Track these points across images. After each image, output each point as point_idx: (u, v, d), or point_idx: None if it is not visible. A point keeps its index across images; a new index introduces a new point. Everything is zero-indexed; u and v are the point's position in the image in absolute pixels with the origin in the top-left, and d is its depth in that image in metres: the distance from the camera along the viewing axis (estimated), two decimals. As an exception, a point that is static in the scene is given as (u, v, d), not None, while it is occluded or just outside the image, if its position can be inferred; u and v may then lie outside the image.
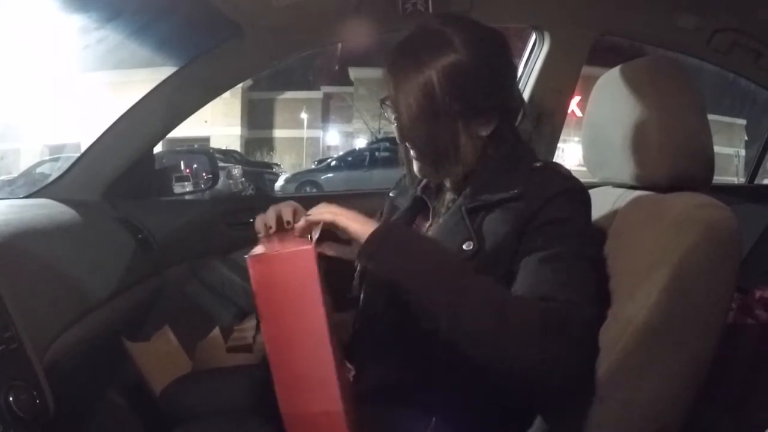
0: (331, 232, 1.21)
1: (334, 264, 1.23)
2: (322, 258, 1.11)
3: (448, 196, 1.33)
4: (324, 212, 1.15)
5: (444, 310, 1.03)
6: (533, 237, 1.11)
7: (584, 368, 1.05)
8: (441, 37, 1.20)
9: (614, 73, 1.36)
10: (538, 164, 1.21)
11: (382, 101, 1.26)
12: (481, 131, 1.23)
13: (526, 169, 1.20)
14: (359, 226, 1.10)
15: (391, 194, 1.51)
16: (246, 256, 1.05)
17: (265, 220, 1.25)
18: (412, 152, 1.28)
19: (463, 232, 1.17)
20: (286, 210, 1.24)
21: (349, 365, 1.29)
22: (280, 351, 1.06)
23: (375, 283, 1.27)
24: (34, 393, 1.09)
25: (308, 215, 1.17)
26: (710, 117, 1.28)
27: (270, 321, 1.06)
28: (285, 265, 1.04)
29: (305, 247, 1.05)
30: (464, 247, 1.15)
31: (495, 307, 1.01)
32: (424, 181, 1.37)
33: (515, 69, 1.28)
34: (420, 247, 1.10)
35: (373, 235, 1.08)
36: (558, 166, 1.24)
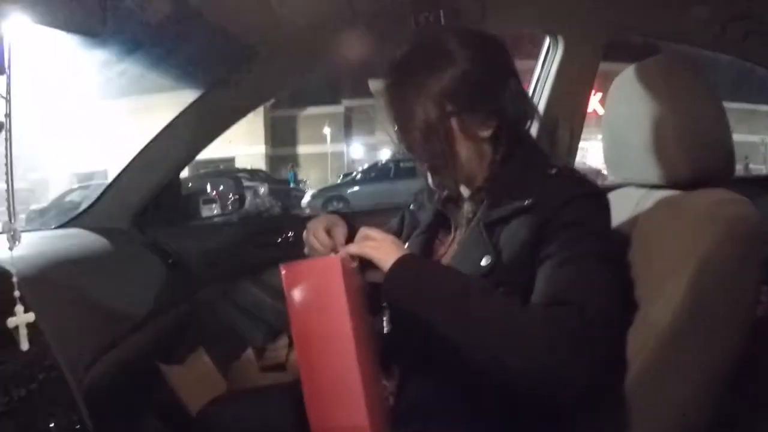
0: None
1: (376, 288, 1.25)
2: (362, 276, 1.19)
3: (467, 207, 1.33)
4: (356, 244, 1.20)
5: (455, 334, 1.07)
6: (549, 242, 1.11)
7: (599, 368, 1.02)
8: (439, 50, 1.23)
9: (629, 72, 1.35)
10: (553, 171, 1.21)
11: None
12: (479, 132, 1.24)
13: (541, 176, 1.20)
14: (382, 256, 1.15)
15: (411, 207, 1.53)
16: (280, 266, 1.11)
17: (315, 241, 1.32)
18: (421, 164, 1.30)
19: (481, 248, 1.18)
20: (319, 228, 1.32)
21: (386, 383, 1.30)
22: (310, 360, 1.08)
23: (398, 311, 1.29)
24: (75, 418, 1.11)
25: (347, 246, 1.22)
26: (731, 105, 1.28)
27: (299, 329, 1.09)
28: (312, 274, 1.10)
29: (332, 257, 1.12)
30: (482, 263, 1.16)
31: (500, 324, 1.04)
32: (444, 194, 1.39)
33: (515, 72, 1.28)
34: (431, 279, 1.13)
35: (389, 272, 1.13)
36: (573, 171, 1.24)
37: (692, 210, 1.11)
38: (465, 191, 1.33)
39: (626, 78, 1.36)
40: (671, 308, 1.04)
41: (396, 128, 1.27)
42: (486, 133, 1.24)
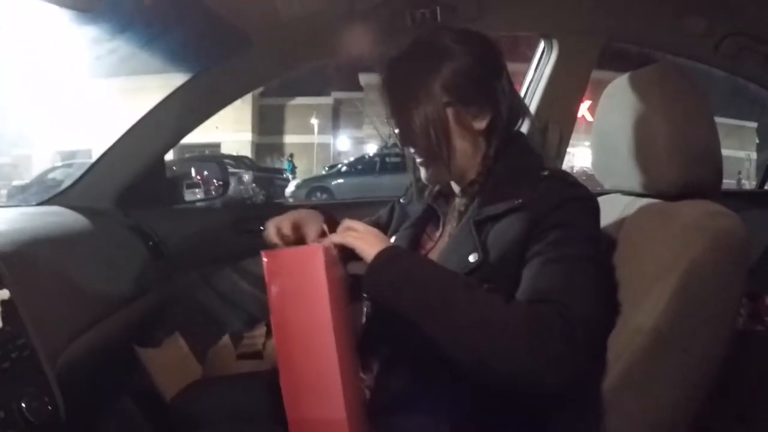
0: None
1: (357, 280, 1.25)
2: (344, 268, 1.20)
3: (458, 202, 1.33)
4: (339, 234, 1.20)
5: (435, 329, 1.07)
6: (538, 241, 1.12)
7: (581, 366, 1.02)
8: (436, 45, 1.25)
9: (622, 80, 1.36)
10: (545, 173, 1.21)
11: (387, 118, 1.30)
12: (475, 124, 1.25)
13: (534, 177, 1.21)
14: (366, 247, 1.15)
15: (401, 200, 1.53)
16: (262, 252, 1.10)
17: (274, 236, 1.33)
18: (415, 158, 1.31)
19: (470, 245, 1.18)
20: (285, 223, 1.33)
21: (363, 376, 1.29)
22: (288, 350, 1.08)
23: (378, 304, 1.28)
24: (46, 399, 1.10)
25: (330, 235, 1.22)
26: (720, 120, 1.28)
27: (279, 318, 1.08)
28: (294, 262, 1.09)
29: (314, 246, 1.12)
30: (470, 259, 1.16)
31: (481, 321, 1.04)
32: (435, 189, 1.39)
33: (506, 70, 1.30)
34: (413, 273, 1.12)
35: (371, 264, 1.13)
36: (565, 174, 1.24)
37: (680, 220, 1.11)
38: (456, 187, 1.34)
39: (620, 85, 1.36)
40: (655, 314, 1.05)
41: (393, 121, 1.28)
42: (481, 125, 1.25)
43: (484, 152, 1.28)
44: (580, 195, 1.17)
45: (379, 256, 1.13)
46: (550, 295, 1.04)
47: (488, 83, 1.26)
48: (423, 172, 1.31)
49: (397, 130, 1.29)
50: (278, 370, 1.09)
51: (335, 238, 1.19)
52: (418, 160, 1.30)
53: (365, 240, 1.16)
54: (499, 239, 1.16)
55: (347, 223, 1.22)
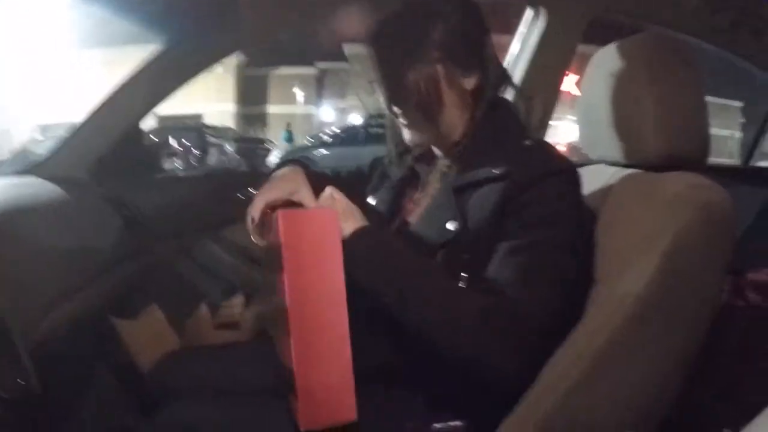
0: None
1: None
2: None
3: (441, 163, 1.33)
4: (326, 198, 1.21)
5: (398, 310, 1.12)
6: (510, 220, 1.12)
7: (528, 359, 1.07)
8: (425, 6, 1.25)
9: (610, 49, 1.34)
10: (528, 142, 1.22)
11: (370, 82, 1.29)
12: (463, 83, 1.25)
13: (516, 146, 1.21)
14: (343, 222, 1.16)
15: (385, 160, 1.51)
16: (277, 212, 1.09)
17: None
18: (401, 119, 1.29)
19: (449, 211, 1.19)
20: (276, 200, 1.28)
21: None
22: (301, 312, 1.06)
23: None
24: (18, 374, 1.08)
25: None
26: (706, 98, 1.27)
27: (294, 278, 1.07)
28: (310, 223, 1.09)
29: (328, 209, 1.16)
30: (448, 226, 1.17)
31: (439, 309, 1.09)
32: (417, 152, 1.38)
33: (490, 33, 1.31)
34: (383, 255, 1.15)
35: (346, 241, 1.13)
36: (547, 145, 1.24)
37: (666, 191, 1.10)
38: (438, 151, 1.34)
39: (607, 55, 1.34)
40: (639, 285, 1.04)
41: (382, 81, 1.26)
42: (470, 84, 1.25)
43: (471, 113, 1.28)
44: (561, 168, 1.17)
45: (354, 234, 1.15)
46: (509, 290, 1.07)
47: (477, 42, 1.26)
48: (407, 134, 1.30)
49: (385, 91, 1.27)
50: (274, 337, 1.13)
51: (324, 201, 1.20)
52: (404, 121, 1.28)
53: (345, 214, 1.16)
54: (477, 209, 1.16)
55: (330, 192, 1.21)
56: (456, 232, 1.16)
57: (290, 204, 1.26)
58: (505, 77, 1.34)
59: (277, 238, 1.08)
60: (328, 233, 1.09)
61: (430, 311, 1.09)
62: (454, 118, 1.27)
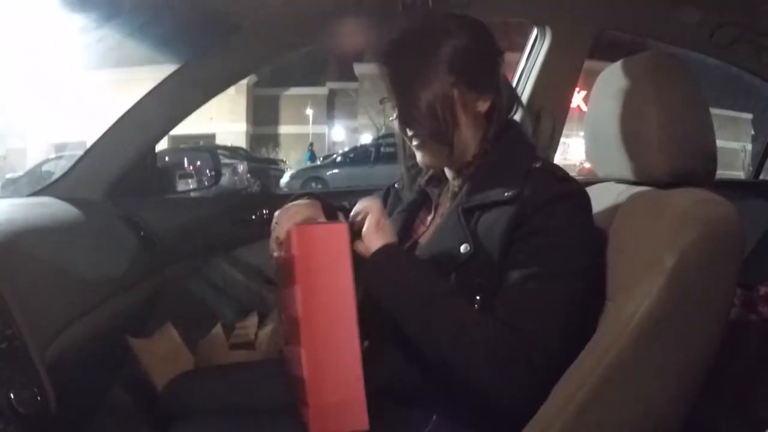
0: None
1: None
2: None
3: (452, 184, 1.34)
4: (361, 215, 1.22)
5: (413, 330, 1.13)
6: (520, 248, 1.13)
7: (538, 388, 1.08)
8: (438, 27, 1.25)
9: (615, 68, 1.35)
10: (537, 164, 1.22)
11: (381, 102, 1.30)
12: (477, 106, 1.26)
13: (525, 168, 1.21)
14: (373, 238, 1.18)
15: (396, 185, 1.52)
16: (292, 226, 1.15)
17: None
18: (414, 141, 1.29)
19: (460, 234, 1.19)
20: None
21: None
22: (313, 326, 1.09)
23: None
24: (36, 390, 1.09)
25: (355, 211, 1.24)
26: (715, 111, 1.28)
27: (306, 292, 1.09)
28: (325, 237, 1.12)
29: (341, 224, 1.18)
30: (461, 250, 1.17)
31: (453, 335, 1.10)
32: (428, 174, 1.39)
33: (502, 55, 1.31)
34: (404, 275, 1.16)
35: (373, 256, 1.17)
36: (556, 168, 1.24)
37: (674, 208, 1.10)
38: (450, 172, 1.34)
39: (612, 73, 1.35)
40: (647, 303, 1.04)
41: (394, 102, 1.27)
42: (483, 107, 1.26)
43: (482, 134, 1.28)
44: (570, 191, 1.17)
45: (380, 251, 1.16)
46: (520, 324, 1.08)
47: (490, 65, 1.27)
48: (420, 156, 1.31)
49: (397, 112, 1.28)
50: (288, 355, 1.15)
51: (359, 217, 1.21)
52: (416, 142, 1.29)
53: (378, 226, 1.19)
54: (488, 232, 1.16)
55: (368, 204, 1.23)
56: (468, 256, 1.16)
57: None
58: (516, 99, 1.36)
59: (290, 253, 1.12)
60: (339, 247, 1.11)
61: (444, 335, 1.10)
62: (467, 140, 1.27)
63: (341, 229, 1.14)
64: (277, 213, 1.28)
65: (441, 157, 1.29)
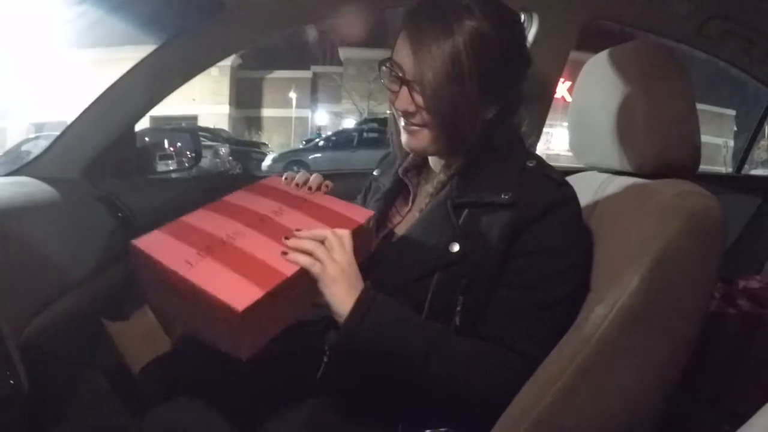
0: None
1: None
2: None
3: (440, 177, 1.29)
4: (308, 252, 1.09)
5: (399, 379, 1.10)
6: (516, 265, 1.12)
7: (505, 403, 1.09)
8: (462, 5, 1.14)
9: (602, 56, 1.34)
10: (531, 163, 1.19)
11: (382, 63, 1.22)
12: (487, 112, 1.21)
13: (518, 167, 1.19)
14: (342, 293, 1.08)
15: (374, 173, 1.49)
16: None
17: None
18: (411, 120, 1.21)
19: (449, 231, 1.16)
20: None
21: None
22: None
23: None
24: (8, 373, 1.07)
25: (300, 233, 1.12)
26: (699, 106, 1.27)
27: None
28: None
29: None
30: (452, 249, 1.14)
31: (446, 379, 1.08)
32: (407, 162, 1.36)
33: (530, 58, 1.24)
34: (393, 335, 1.08)
35: (348, 322, 1.06)
36: (550, 169, 1.21)
37: (657, 198, 1.10)
38: (436, 162, 1.30)
39: (599, 62, 1.35)
40: (628, 292, 1.04)
41: (411, 71, 1.17)
42: (491, 113, 1.21)
43: (481, 135, 1.20)
44: (566, 197, 1.16)
45: (356, 310, 1.06)
46: (513, 341, 1.10)
47: (514, 72, 1.22)
48: (409, 139, 1.23)
49: (414, 90, 1.17)
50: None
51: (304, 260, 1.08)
52: (414, 121, 1.21)
53: (342, 281, 1.08)
54: (482, 233, 1.14)
55: (328, 235, 1.10)
56: (459, 255, 1.13)
57: None
58: (521, 102, 1.29)
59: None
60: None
61: (440, 381, 1.08)
62: (465, 134, 1.19)
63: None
64: None
65: (434, 144, 1.22)
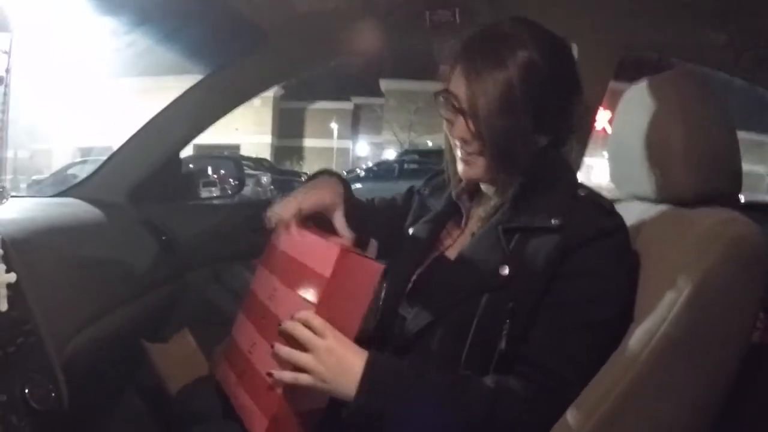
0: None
1: None
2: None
3: (491, 202, 1.29)
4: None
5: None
6: (561, 286, 1.11)
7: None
8: (514, 37, 1.17)
9: (641, 85, 1.34)
10: (582, 192, 1.20)
11: (437, 94, 1.23)
12: (540, 140, 1.21)
13: (569, 193, 1.19)
14: (339, 393, 1.09)
15: (420, 190, 1.49)
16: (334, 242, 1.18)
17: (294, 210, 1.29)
18: (467, 149, 1.21)
19: (499, 255, 1.16)
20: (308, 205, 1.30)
21: None
22: None
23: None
24: (50, 386, 1.10)
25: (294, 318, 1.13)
26: (739, 134, 1.26)
27: (322, 310, 1.11)
28: (362, 271, 1.15)
29: (378, 264, 1.17)
30: (502, 272, 1.14)
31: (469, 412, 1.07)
32: (461, 186, 1.35)
33: (581, 87, 1.25)
34: (398, 401, 1.08)
35: (357, 411, 1.08)
36: (602, 199, 1.21)
37: (696, 227, 1.09)
38: (488, 187, 1.30)
39: (638, 91, 1.34)
40: (667, 323, 1.02)
41: (466, 101, 1.18)
42: (544, 141, 1.22)
43: (534, 152, 1.20)
44: (615, 226, 1.15)
45: (360, 396, 1.07)
46: (554, 364, 1.09)
47: (566, 99, 1.22)
48: (465, 168, 1.24)
49: (466, 120, 1.18)
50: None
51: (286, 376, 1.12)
52: (470, 150, 1.21)
53: (332, 372, 1.08)
54: (530, 258, 1.13)
55: (296, 332, 1.10)
56: (508, 277, 1.13)
57: (320, 217, 1.31)
58: (572, 130, 1.30)
59: (317, 264, 1.14)
60: (368, 285, 1.14)
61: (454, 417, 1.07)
62: (518, 162, 1.19)
63: (377, 269, 1.15)
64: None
65: (489, 173, 1.22)
